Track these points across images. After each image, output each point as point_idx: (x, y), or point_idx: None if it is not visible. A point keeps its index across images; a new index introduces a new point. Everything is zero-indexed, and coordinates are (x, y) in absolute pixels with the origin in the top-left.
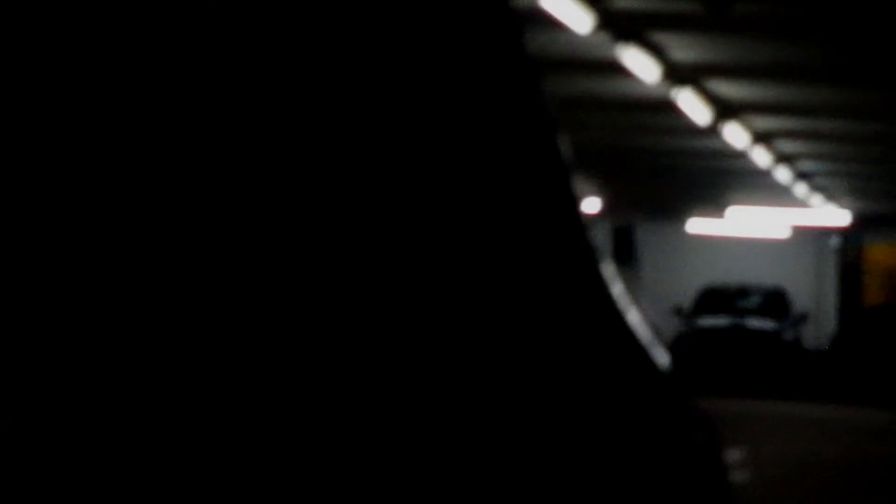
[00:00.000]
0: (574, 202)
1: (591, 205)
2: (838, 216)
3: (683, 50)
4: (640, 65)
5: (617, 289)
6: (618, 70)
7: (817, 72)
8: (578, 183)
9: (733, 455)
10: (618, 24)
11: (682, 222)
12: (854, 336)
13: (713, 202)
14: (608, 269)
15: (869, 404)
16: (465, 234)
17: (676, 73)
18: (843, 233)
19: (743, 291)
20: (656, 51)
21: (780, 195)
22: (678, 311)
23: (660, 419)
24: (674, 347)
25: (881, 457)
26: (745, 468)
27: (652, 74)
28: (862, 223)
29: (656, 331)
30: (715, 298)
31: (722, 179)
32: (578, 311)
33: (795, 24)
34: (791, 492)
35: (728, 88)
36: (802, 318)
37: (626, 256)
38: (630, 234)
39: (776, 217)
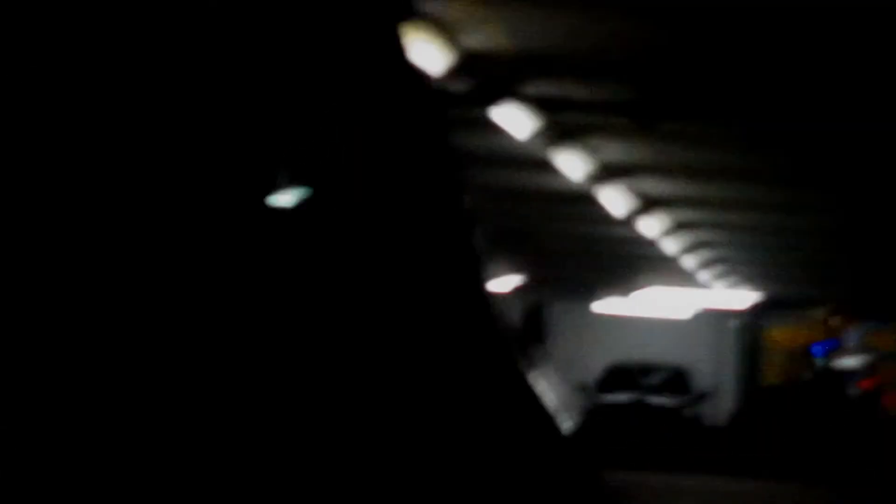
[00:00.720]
0: (481, 284)
1: (506, 284)
2: (739, 299)
3: (608, 152)
4: (568, 163)
5: (527, 365)
6: (546, 167)
7: (727, 172)
8: (491, 265)
9: None
10: (552, 131)
11: (591, 303)
12: (752, 413)
13: (622, 284)
14: (526, 348)
15: (765, 477)
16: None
17: (599, 171)
18: (743, 315)
19: (646, 369)
20: (584, 152)
21: (686, 280)
22: (583, 388)
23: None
24: (580, 421)
25: None
26: None
27: (577, 172)
28: (761, 306)
29: (567, 403)
30: (619, 375)
31: (633, 264)
32: (485, 380)
33: (709, 134)
34: None
35: (644, 184)
36: (703, 396)
37: (535, 334)
38: (539, 312)
39: (681, 299)
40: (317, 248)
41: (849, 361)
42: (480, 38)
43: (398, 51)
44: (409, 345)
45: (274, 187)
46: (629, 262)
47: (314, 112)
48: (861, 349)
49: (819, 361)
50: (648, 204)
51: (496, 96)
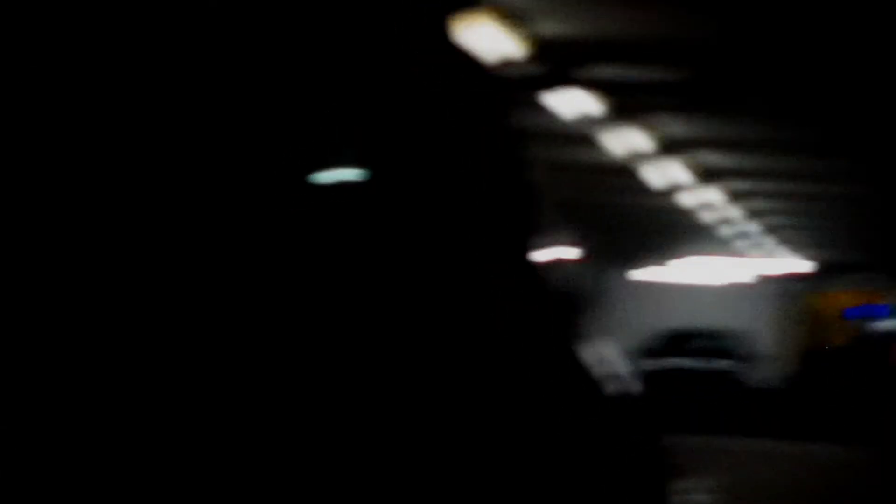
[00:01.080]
0: (534, 255)
1: (566, 253)
2: (797, 265)
3: (666, 128)
4: (628, 139)
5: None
6: (606, 143)
7: (777, 144)
8: (554, 236)
9: (702, 483)
10: (614, 110)
11: (646, 270)
12: (808, 375)
13: (677, 253)
14: (580, 315)
15: (823, 440)
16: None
17: (659, 146)
18: (794, 281)
19: (699, 334)
20: (643, 129)
21: (738, 248)
22: (639, 353)
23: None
24: (643, 383)
25: (838, 485)
26: (712, 494)
27: (636, 146)
28: (817, 272)
29: (623, 368)
30: (674, 340)
31: (687, 234)
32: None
33: (760, 109)
34: None
35: (701, 157)
36: (754, 359)
37: (592, 301)
38: (597, 280)
39: (733, 267)
40: (379, 221)
41: (893, 324)
42: (549, 26)
43: (450, 38)
44: (466, 315)
45: (336, 165)
46: (683, 232)
47: (376, 93)
48: None
49: (871, 324)
50: (705, 175)
51: (562, 80)
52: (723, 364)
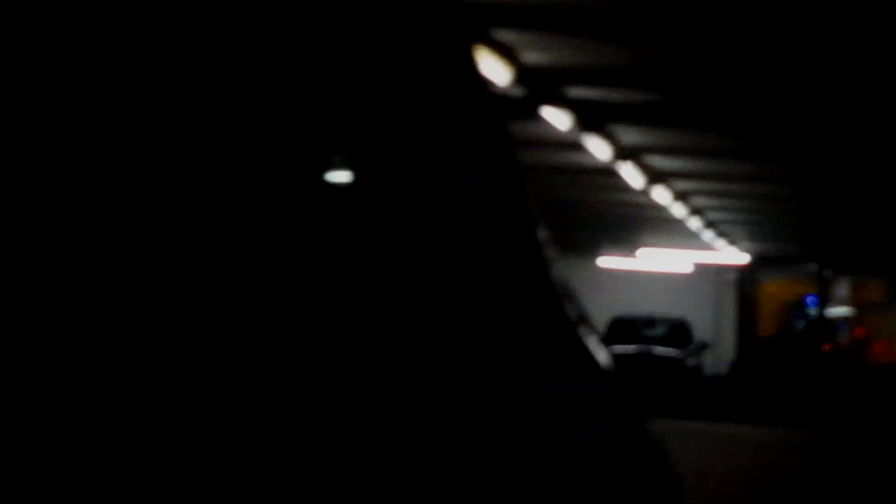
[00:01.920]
0: (538, 242)
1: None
2: (737, 256)
3: (625, 137)
4: (594, 146)
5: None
6: (577, 148)
7: (726, 150)
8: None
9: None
10: (583, 120)
11: (597, 259)
12: (750, 362)
13: (629, 243)
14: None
15: (763, 423)
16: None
17: (618, 152)
18: (741, 270)
19: (649, 322)
20: (608, 136)
21: (688, 239)
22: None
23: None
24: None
25: (777, 465)
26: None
27: (601, 152)
28: (758, 262)
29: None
30: (623, 328)
31: (646, 226)
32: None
33: (707, 120)
34: (702, 495)
35: (658, 161)
36: (703, 347)
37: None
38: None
39: (684, 256)
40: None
41: (838, 312)
42: (531, 56)
43: (471, 62)
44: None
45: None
46: (635, 223)
47: (382, 100)
48: (849, 301)
49: (811, 312)
50: (656, 177)
51: (544, 99)
52: (668, 351)
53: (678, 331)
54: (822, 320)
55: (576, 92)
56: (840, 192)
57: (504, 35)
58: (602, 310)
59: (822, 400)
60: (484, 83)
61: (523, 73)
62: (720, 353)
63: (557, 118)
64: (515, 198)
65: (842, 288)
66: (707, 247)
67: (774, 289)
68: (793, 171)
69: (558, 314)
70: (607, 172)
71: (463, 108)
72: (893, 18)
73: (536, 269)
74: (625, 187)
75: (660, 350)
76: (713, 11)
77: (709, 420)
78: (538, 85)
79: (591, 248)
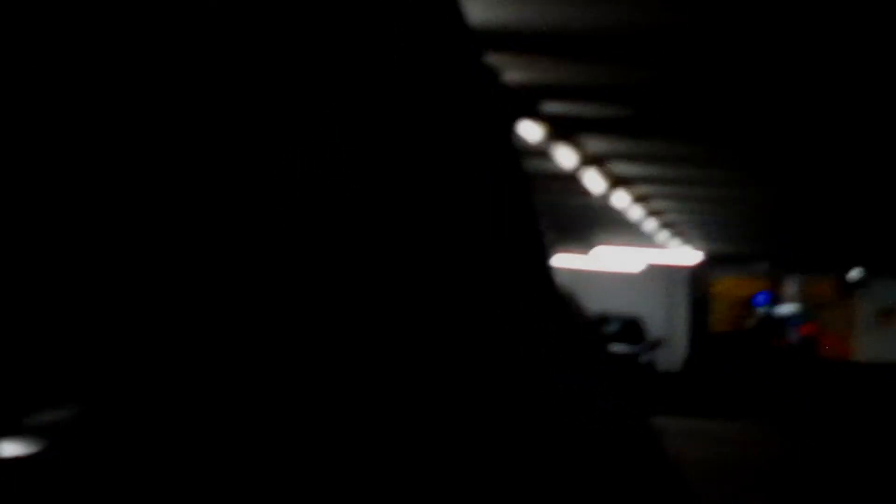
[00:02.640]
0: (540, 235)
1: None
2: (689, 256)
3: (589, 146)
4: (561, 154)
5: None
6: (546, 156)
7: (678, 157)
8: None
9: None
10: (555, 131)
11: (566, 257)
12: (702, 358)
13: (583, 243)
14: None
15: (718, 417)
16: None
17: (583, 159)
18: (692, 269)
19: (603, 319)
20: (576, 144)
21: (643, 239)
22: None
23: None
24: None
25: (733, 457)
26: None
27: (567, 160)
28: (709, 261)
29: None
30: None
31: (603, 227)
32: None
33: (663, 128)
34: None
35: (619, 167)
36: (656, 344)
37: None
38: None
39: (636, 255)
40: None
41: (788, 309)
42: (513, 76)
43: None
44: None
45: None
46: (591, 224)
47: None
48: (799, 298)
49: (761, 310)
50: (617, 181)
51: (521, 113)
52: (623, 347)
53: (631, 328)
54: (772, 317)
55: (549, 106)
56: (790, 194)
57: (489, 57)
58: None
59: (775, 393)
60: (496, 81)
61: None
62: (673, 349)
63: (529, 130)
64: (524, 194)
65: (792, 286)
66: (662, 246)
67: (726, 286)
68: (746, 175)
69: (567, 309)
70: (570, 178)
71: (476, 106)
72: (848, 30)
73: (544, 265)
74: (585, 191)
75: (613, 347)
76: (679, 36)
77: (665, 415)
78: (516, 100)
79: (558, 248)
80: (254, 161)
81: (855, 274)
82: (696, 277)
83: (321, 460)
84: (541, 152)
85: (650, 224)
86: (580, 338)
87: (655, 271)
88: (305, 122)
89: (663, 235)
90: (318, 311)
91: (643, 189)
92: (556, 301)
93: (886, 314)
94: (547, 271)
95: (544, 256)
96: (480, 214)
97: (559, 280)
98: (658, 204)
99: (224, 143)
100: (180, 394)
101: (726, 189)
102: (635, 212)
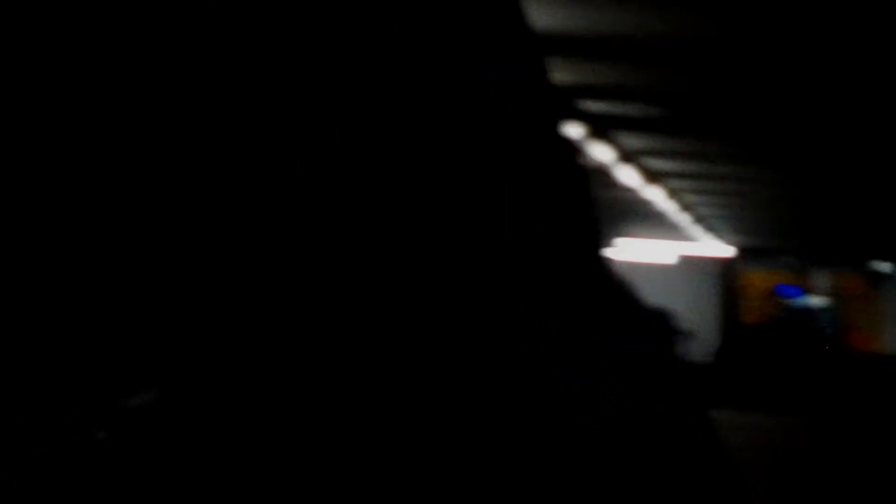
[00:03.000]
0: (599, 233)
1: None
2: (722, 248)
3: (624, 142)
4: (597, 150)
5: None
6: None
7: (716, 153)
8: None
9: None
10: (593, 129)
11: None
12: (735, 349)
13: (619, 235)
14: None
15: (748, 409)
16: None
17: (619, 155)
18: (725, 262)
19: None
20: (612, 141)
21: (677, 233)
22: None
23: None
24: None
25: (770, 447)
26: None
27: (603, 156)
28: (740, 254)
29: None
30: None
31: (638, 220)
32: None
33: (698, 127)
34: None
35: (653, 163)
36: (688, 335)
37: None
38: None
39: (671, 249)
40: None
41: (816, 301)
42: (555, 77)
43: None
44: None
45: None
46: (637, 218)
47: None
48: (827, 291)
49: (790, 302)
50: (652, 176)
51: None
52: (653, 339)
53: (662, 319)
54: (804, 310)
55: (587, 105)
56: (817, 190)
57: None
58: None
59: (805, 384)
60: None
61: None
62: (704, 341)
63: (569, 128)
64: (578, 190)
65: (820, 279)
66: (694, 239)
67: (755, 279)
68: (774, 172)
69: (623, 301)
70: (605, 173)
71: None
72: (868, 27)
73: (597, 257)
74: (621, 186)
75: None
76: (709, 43)
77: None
78: (563, 100)
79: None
80: (261, 161)
81: (883, 267)
82: (726, 271)
83: (323, 456)
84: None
85: (682, 218)
86: (592, 336)
87: (687, 264)
88: (320, 123)
89: (695, 229)
90: (317, 311)
91: (675, 184)
92: (608, 292)
93: None
94: (600, 263)
95: (598, 249)
96: (482, 215)
97: (617, 273)
98: (690, 198)
99: (239, 143)
100: (181, 392)
101: (755, 185)
102: (668, 206)
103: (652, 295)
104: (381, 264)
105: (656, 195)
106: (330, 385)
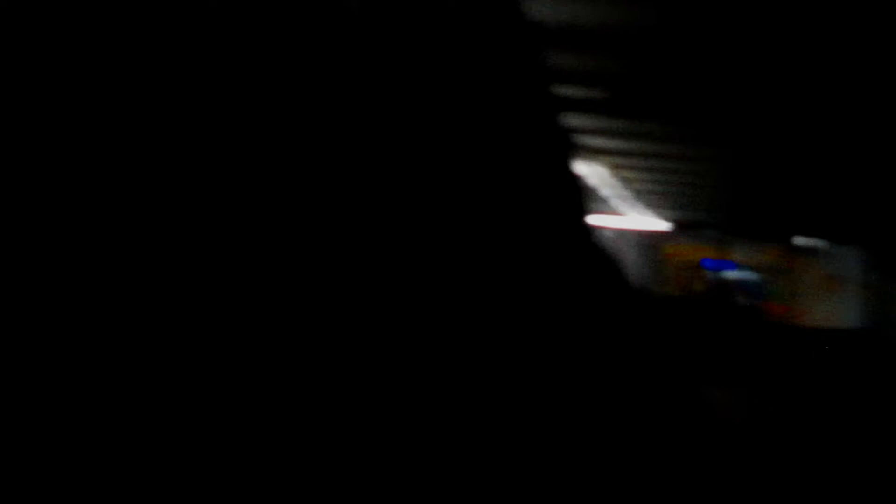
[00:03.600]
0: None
1: None
2: (656, 223)
3: (572, 119)
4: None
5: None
6: None
7: (649, 133)
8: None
9: None
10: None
11: None
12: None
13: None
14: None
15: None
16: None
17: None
18: (649, 236)
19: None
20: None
21: (603, 206)
22: None
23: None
24: None
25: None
26: None
27: None
28: (665, 229)
29: None
30: None
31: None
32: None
33: (634, 109)
34: None
35: (595, 141)
36: None
37: None
38: None
39: (614, 222)
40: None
41: (736, 274)
42: None
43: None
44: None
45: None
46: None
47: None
48: (752, 265)
49: (710, 274)
50: (594, 153)
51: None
52: None
53: None
54: (721, 282)
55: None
56: (747, 168)
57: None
58: None
59: (725, 354)
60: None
61: None
62: None
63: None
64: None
65: (741, 252)
66: (631, 214)
67: (676, 251)
68: (702, 149)
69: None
70: None
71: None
72: (800, 13)
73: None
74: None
75: None
76: (648, 33)
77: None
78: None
79: None
80: (261, 161)
81: (802, 241)
82: (652, 243)
83: (323, 456)
84: None
85: (621, 193)
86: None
87: (621, 236)
88: (319, 123)
89: (631, 204)
90: (318, 311)
91: (615, 161)
92: (594, 266)
93: (832, 280)
94: (586, 239)
95: (583, 226)
96: (485, 206)
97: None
98: (628, 174)
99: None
100: (182, 391)
101: (683, 162)
102: (607, 181)
103: None
104: (381, 264)
105: (597, 171)
106: (330, 385)
